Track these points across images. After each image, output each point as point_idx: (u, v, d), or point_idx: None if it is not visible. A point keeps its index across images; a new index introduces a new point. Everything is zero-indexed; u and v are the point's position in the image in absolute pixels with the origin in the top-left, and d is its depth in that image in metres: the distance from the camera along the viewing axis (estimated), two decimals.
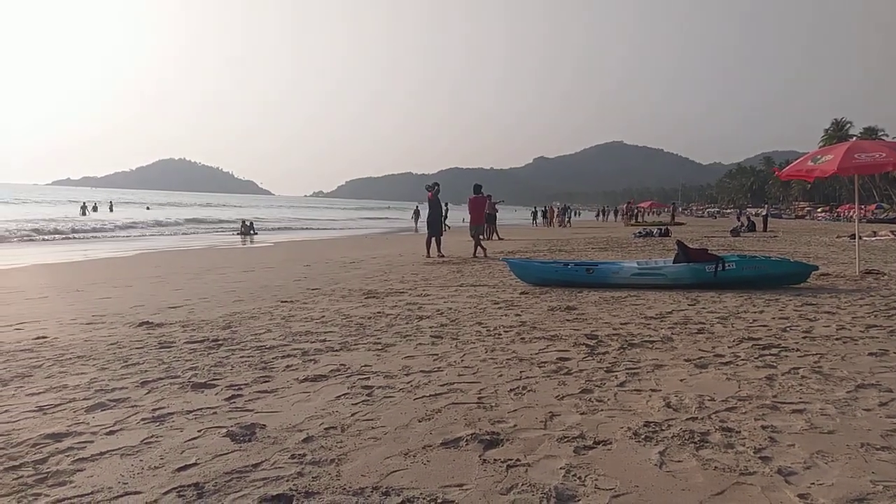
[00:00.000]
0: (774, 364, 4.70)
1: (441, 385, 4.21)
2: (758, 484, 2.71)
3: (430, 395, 3.97)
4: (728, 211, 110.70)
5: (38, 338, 6.07)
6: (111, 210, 53.06)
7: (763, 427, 3.36)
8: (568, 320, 6.62)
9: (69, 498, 2.58)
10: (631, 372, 4.50)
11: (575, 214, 49.52)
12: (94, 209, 51.91)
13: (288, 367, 4.72)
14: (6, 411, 3.76)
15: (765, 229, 33.35)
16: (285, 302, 8.06)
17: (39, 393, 4.14)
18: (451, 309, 7.37)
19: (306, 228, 43.23)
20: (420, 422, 3.50)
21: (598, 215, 72.15)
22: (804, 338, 5.66)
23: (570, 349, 5.24)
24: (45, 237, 26.25)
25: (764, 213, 42.73)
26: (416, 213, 38.17)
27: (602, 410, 3.68)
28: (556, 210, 50.24)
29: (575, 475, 2.81)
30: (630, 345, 5.38)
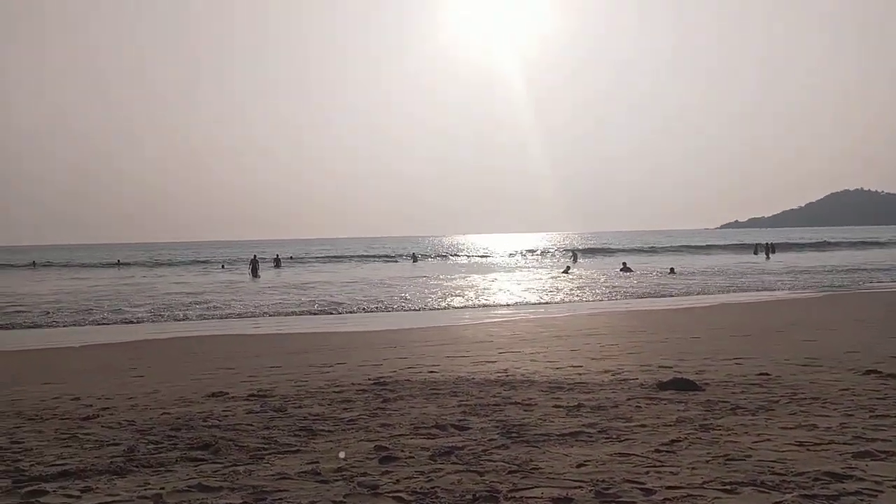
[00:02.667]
0: None
1: None
2: None
3: None
4: None
5: (760, 374, 6.30)
6: (772, 252, 51.88)
7: None
8: None
9: None
10: None
11: None
12: (772, 251, 51.41)
13: None
14: (768, 440, 3.89)
15: None
16: None
17: (791, 428, 4.15)
18: None
19: None
20: None
21: None
22: None
23: None
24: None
25: None
26: None
27: None
28: None
29: None
30: None
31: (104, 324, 16.66)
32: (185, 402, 5.63)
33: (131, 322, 16.90)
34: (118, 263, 58.24)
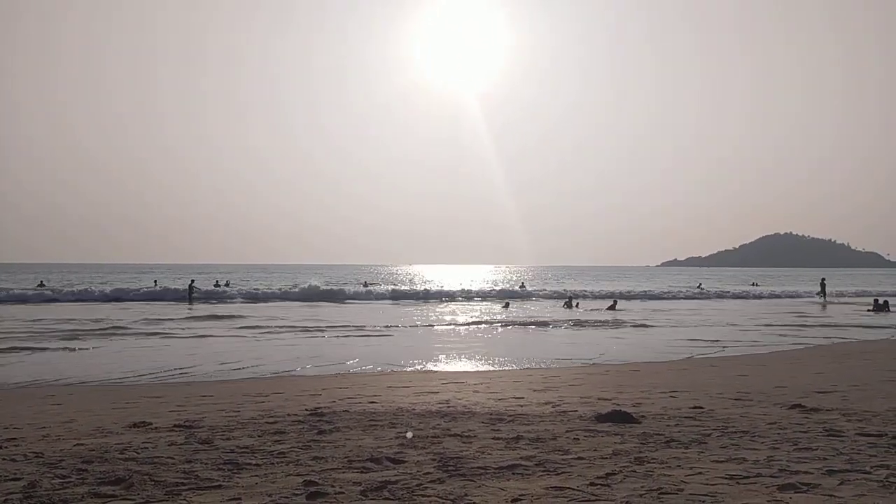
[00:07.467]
0: None
1: None
2: None
3: None
4: None
5: (694, 407, 6.41)
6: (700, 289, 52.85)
7: None
8: None
9: None
10: None
11: None
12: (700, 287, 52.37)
13: None
14: (700, 473, 3.92)
15: None
16: None
17: (722, 461, 4.20)
18: None
19: None
20: None
21: None
22: None
23: None
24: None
25: None
26: None
27: None
28: None
29: None
30: None
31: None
32: (102, 433, 5.28)
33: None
34: (41, 286, 50.77)
